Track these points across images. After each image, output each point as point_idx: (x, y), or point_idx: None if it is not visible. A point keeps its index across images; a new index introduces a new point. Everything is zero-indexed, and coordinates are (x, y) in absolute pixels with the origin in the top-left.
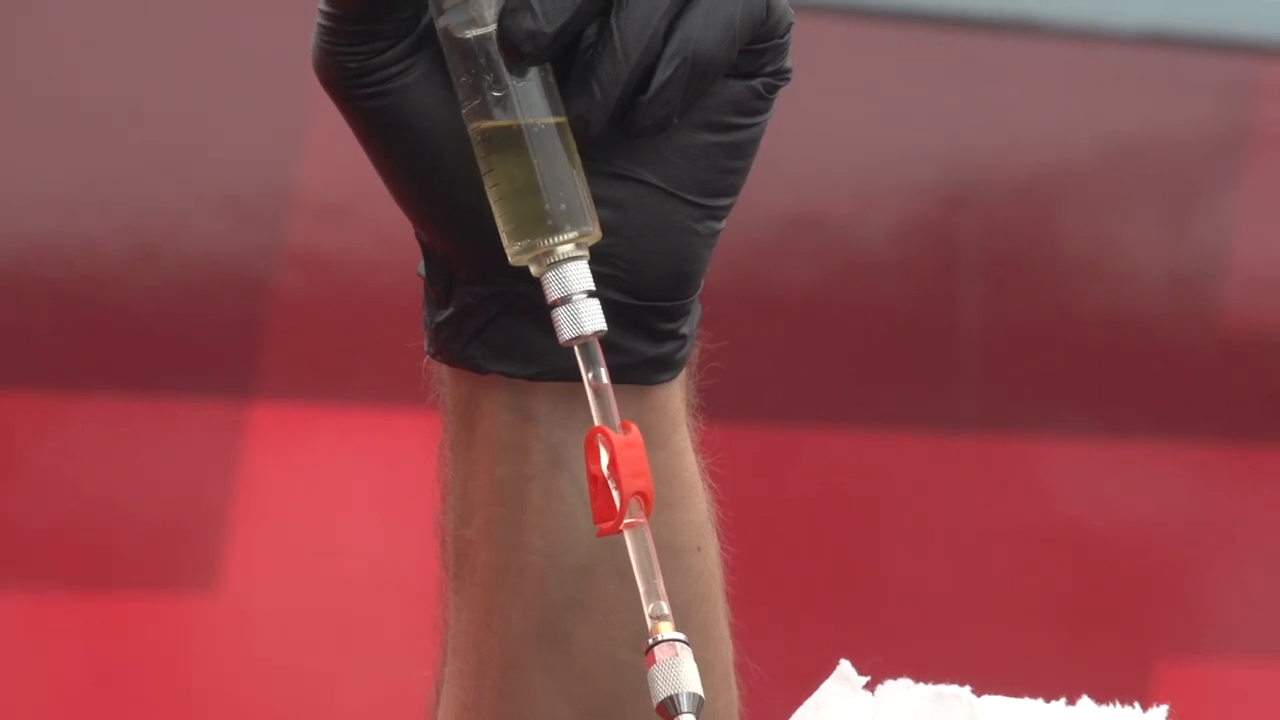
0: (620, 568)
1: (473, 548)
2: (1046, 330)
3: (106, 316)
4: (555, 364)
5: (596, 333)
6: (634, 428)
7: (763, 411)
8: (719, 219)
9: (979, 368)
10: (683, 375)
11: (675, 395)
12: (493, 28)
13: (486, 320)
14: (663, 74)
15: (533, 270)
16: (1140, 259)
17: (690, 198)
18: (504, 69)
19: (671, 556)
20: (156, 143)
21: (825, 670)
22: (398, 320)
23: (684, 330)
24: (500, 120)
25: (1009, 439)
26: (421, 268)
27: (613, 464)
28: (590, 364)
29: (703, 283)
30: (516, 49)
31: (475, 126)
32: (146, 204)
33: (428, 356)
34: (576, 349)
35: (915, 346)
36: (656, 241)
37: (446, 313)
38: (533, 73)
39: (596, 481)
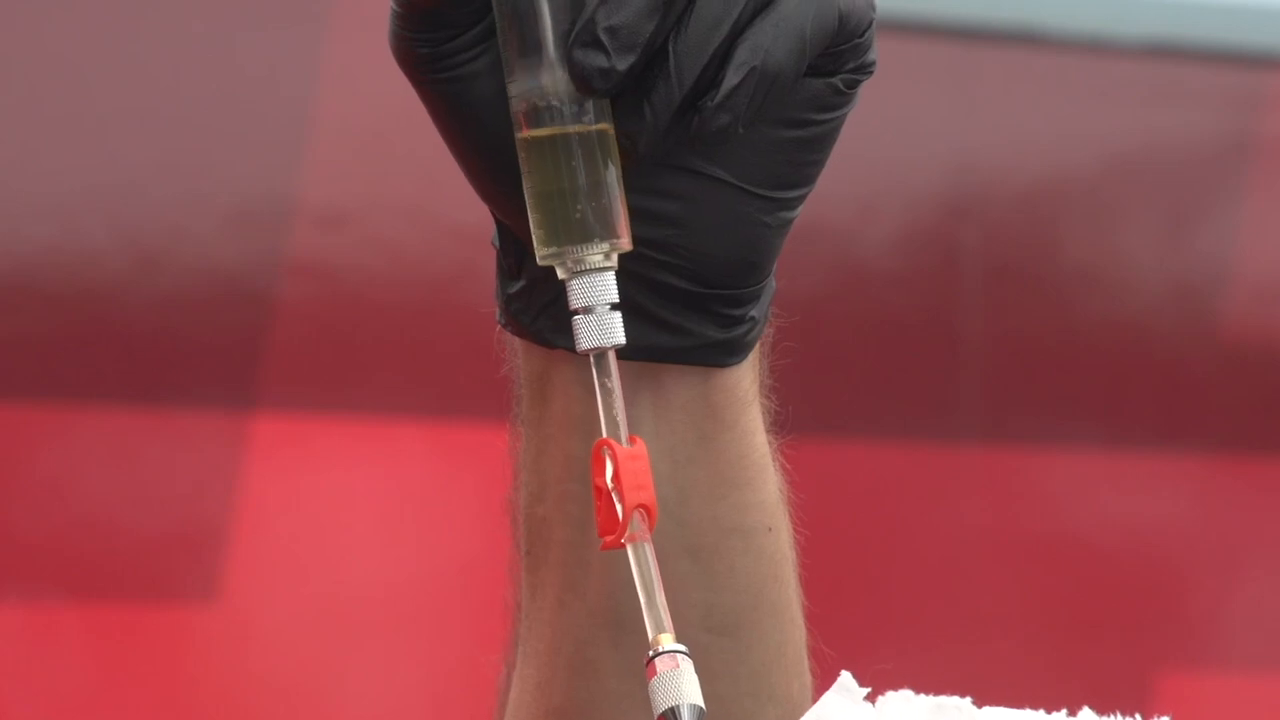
0: (690, 545)
1: (546, 524)
2: (1049, 340)
3: (107, 327)
4: None
5: (615, 346)
6: (640, 441)
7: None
8: (792, 209)
9: (980, 377)
10: (753, 355)
11: (745, 376)
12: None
13: (555, 295)
14: (732, 80)
15: (559, 274)
16: (1143, 269)
17: (762, 192)
18: None
19: (741, 538)
20: (156, 152)
21: (826, 681)
22: (401, 331)
23: (753, 313)
24: (545, 123)
25: (1011, 449)
26: (495, 238)
27: (616, 476)
28: (603, 373)
29: (774, 266)
30: (588, 84)
31: (511, 85)
32: (147, 214)
33: (499, 326)
34: (592, 360)
35: (916, 357)
36: (724, 234)
37: (518, 285)
38: None
39: (600, 494)
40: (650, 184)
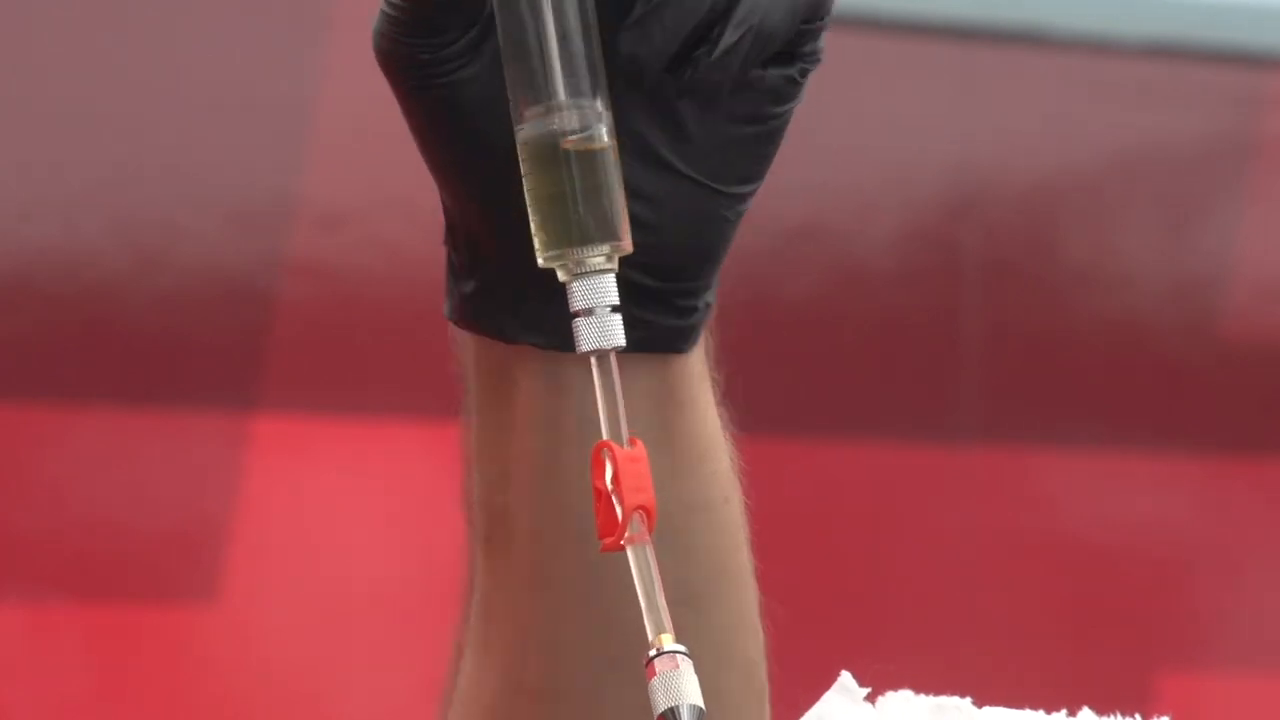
0: (657, 527)
1: (508, 514)
2: (1049, 340)
3: (107, 327)
4: None
5: (615, 349)
6: (640, 443)
7: (763, 422)
8: (747, 203)
9: (981, 377)
10: (704, 332)
11: (697, 354)
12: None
13: (517, 291)
14: (730, 38)
15: (560, 276)
16: (1143, 269)
17: (727, 189)
18: None
19: (704, 513)
20: (156, 152)
21: (826, 682)
22: (401, 331)
23: (708, 300)
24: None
25: (1011, 449)
26: (446, 237)
27: (615, 478)
28: (604, 375)
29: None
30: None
31: (521, 130)
32: (146, 214)
33: (451, 323)
34: (593, 362)
35: (917, 357)
36: (693, 233)
37: (474, 283)
38: None
39: (600, 496)
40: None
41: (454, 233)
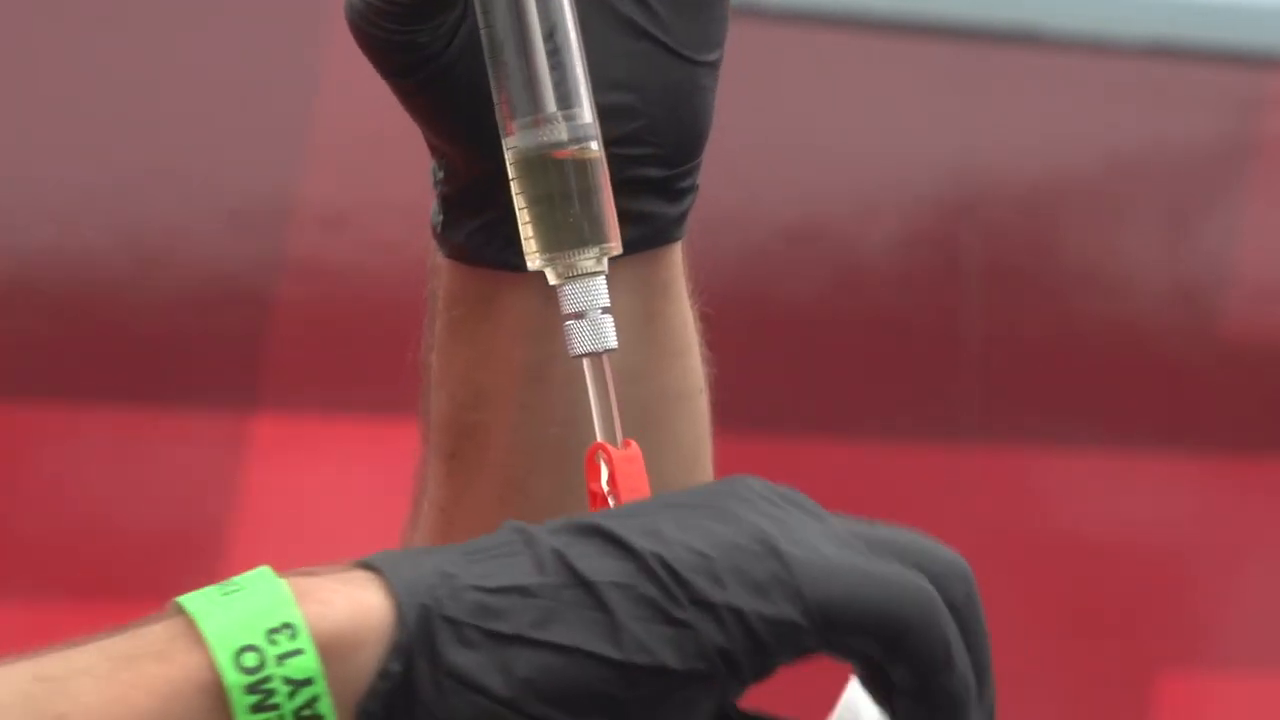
0: (638, 419)
1: (480, 429)
2: (1049, 341)
3: (107, 328)
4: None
5: (608, 350)
6: (633, 442)
7: (763, 422)
8: (717, 72)
9: (980, 378)
10: None
11: (679, 245)
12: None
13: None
14: None
15: (550, 278)
16: (1143, 270)
17: (700, 57)
18: None
19: (688, 401)
20: (156, 152)
21: (832, 683)
22: (401, 331)
23: (697, 180)
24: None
25: (1010, 450)
26: (437, 177)
27: (612, 479)
28: (596, 377)
29: None
30: None
31: (509, 139)
32: (146, 215)
33: (440, 256)
34: (585, 364)
35: (917, 358)
36: (677, 108)
37: (478, 222)
38: None
39: (595, 499)
40: (605, 77)
41: (457, 177)
